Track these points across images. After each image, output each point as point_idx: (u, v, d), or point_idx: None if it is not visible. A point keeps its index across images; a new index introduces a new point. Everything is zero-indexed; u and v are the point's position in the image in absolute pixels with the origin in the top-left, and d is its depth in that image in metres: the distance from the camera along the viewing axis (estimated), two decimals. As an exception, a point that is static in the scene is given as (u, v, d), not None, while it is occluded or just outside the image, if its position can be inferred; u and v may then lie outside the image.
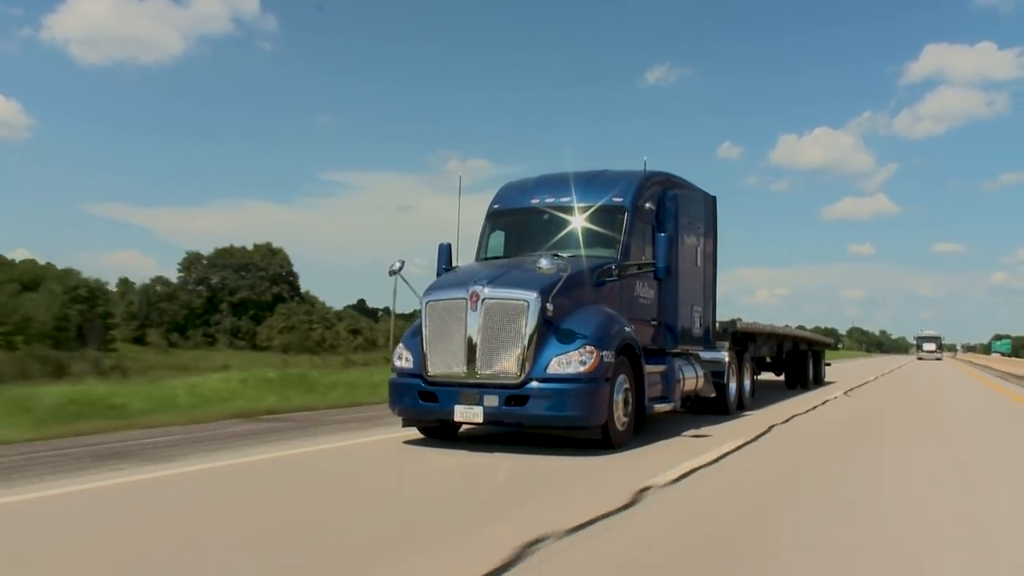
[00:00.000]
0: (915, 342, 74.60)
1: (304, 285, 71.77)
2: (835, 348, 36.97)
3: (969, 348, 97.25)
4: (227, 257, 68.36)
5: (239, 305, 66.46)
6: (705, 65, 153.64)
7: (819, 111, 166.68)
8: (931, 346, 65.92)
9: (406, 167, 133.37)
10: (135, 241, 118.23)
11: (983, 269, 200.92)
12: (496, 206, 9.32)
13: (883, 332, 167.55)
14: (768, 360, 16.83)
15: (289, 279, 69.89)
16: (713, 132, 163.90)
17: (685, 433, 8.63)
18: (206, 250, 69.36)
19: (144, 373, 21.21)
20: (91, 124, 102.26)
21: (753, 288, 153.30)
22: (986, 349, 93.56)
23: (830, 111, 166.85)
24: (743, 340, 12.73)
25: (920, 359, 60.54)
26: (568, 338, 7.18)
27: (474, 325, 7.19)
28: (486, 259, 8.96)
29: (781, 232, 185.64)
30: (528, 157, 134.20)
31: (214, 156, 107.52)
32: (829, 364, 22.90)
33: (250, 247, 70.49)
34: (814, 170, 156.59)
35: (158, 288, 66.40)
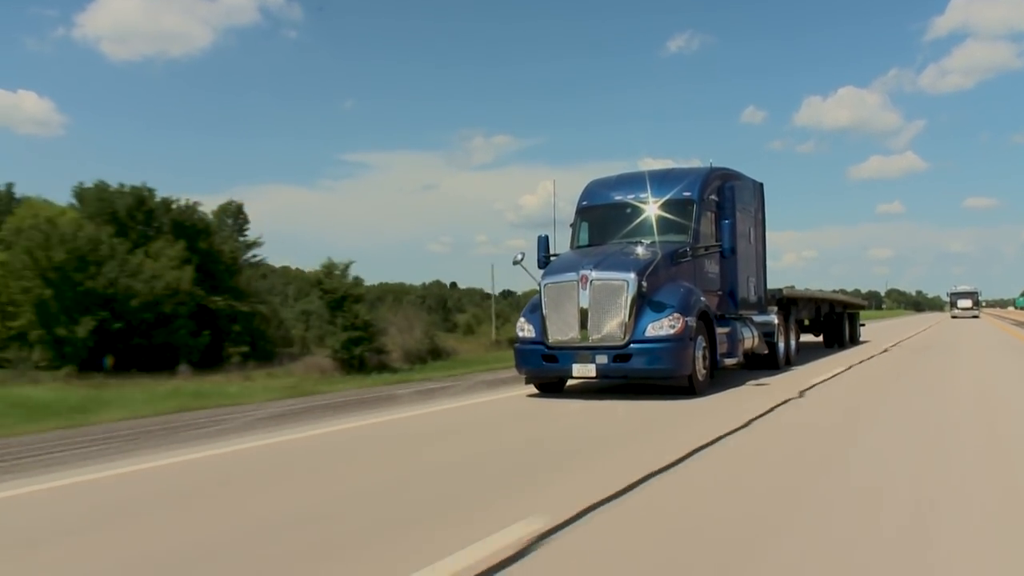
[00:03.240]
0: (948, 299, 66.18)
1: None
2: (879, 308, 38.46)
3: (989, 304, 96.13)
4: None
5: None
6: (727, 31, 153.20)
7: (843, 71, 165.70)
8: (966, 302, 60.57)
9: (429, 146, 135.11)
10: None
11: (1016, 223, 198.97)
12: (585, 202, 11.24)
13: (919, 292, 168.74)
14: (806, 323, 18.53)
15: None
16: (736, 97, 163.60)
17: (749, 382, 10.58)
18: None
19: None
20: (121, 118, 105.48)
21: (780, 252, 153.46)
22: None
23: (855, 70, 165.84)
24: (788, 305, 14.54)
25: (954, 317, 56.71)
26: (659, 308, 9.14)
27: (585, 301, 9.17)
28: (579, 247, 10.88)
29: (807, 194, 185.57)
30: (550, 129, 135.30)
31: (240, 144, 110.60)
32: (864, 324, 24.59)
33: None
34: (840, 130, 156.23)
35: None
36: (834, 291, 22.65)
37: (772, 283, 13.85)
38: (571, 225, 11.32)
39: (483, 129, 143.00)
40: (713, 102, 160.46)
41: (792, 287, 17.05)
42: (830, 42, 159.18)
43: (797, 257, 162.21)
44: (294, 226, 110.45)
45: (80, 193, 33.79)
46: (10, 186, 42.19)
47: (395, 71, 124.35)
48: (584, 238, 11.02)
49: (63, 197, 35.72)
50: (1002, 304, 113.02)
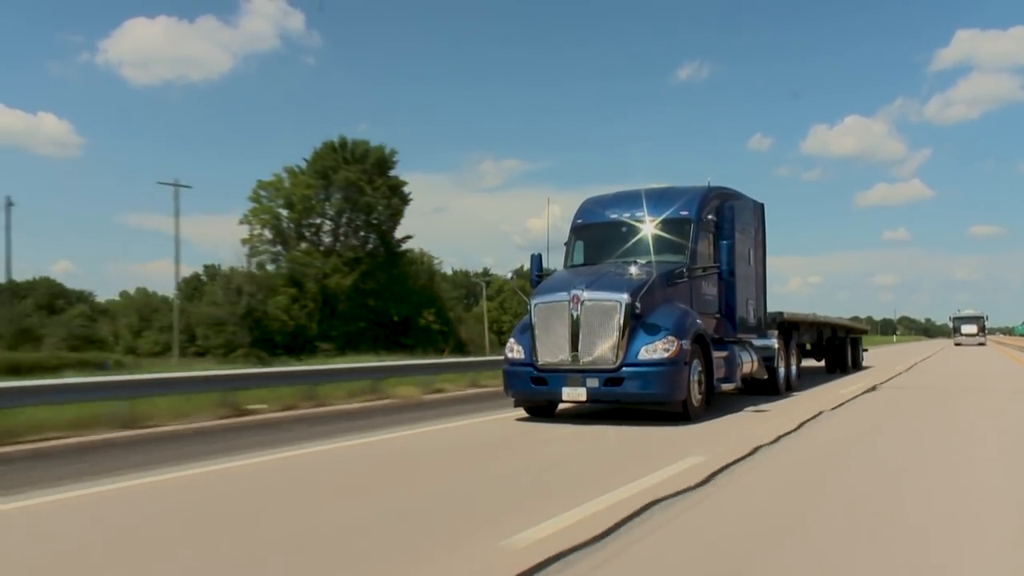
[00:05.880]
0: (951, 324, 60.22)
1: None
2: (893, 333, 38.09)
3: (993, 331, 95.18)
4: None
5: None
6: (736, 60, 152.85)
7: (850, 101, 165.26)
8: (971, 328, 55.11)
9: (440, 169, 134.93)
10: (168, 250, 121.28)
11: (1022, 250, 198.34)
12: (580, 220, 10.93)
13: (928, 320, 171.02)
14: (808, 347, 18.11)
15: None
16: (743, 124, 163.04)
17: (747, 408, 10.20)
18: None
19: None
20: (137, 140, 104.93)
21: (786, 277, 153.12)
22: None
23: (861, 100, 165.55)
24: (788, 328, 14.18)
25: (958, 344, 51.59)
26: (653, 330, 8.80)
27: (576, 322, 8.83)
28: (573, 266, 10.57)
29: (813, 221, 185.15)
30: (558, 152, 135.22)
31: (254, 166, 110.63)
32: (867, 350, 24.20)
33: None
34: (846, 158, 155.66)
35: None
36: (852, 318, 22.25)
37: (778, 307, 13.53)
38: (565, 244, 11.01)
39: (493, 152, 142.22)
40: (720, 129, 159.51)
41: (814, 314, 16.70)
42: (837, 72, 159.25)
43: (802, 282, 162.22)
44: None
45: (516, 272, 69.43)
46: (487, 270, 74.08)
47: (409, 95, 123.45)
48: (578, 257, 10.71)
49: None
50: (1004, 331, 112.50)
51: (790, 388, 13.30)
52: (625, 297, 8.76)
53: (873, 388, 14.07)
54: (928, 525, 4.34)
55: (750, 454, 6.51)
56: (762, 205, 12.76)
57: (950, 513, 4.60)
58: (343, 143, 47.25)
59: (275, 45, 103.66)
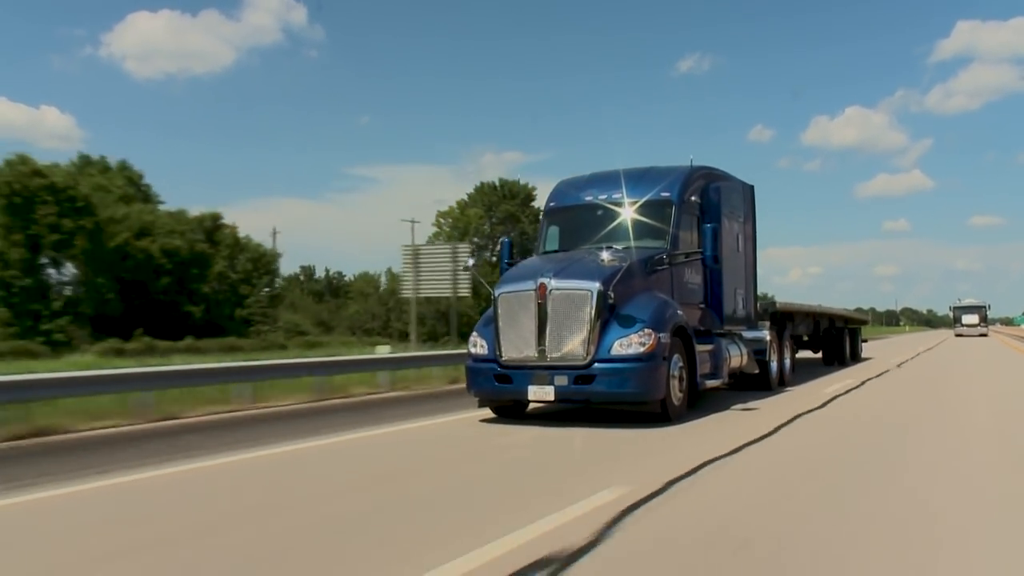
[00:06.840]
0: (952, 314, 59.28)
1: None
2: (897, 324, 37.57)
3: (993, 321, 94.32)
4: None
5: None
6: (737, 52, 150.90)
7: (851, 92, 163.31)
8: (972, 318, 54.56)
9: (441, 161, 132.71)
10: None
11: (1022, 240, 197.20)
12: (553, 203, 10.10)
13: (930, 311, 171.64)
14: (805, 338, 17.30)
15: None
16: (744, 116, 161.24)
17: (734, 407, 9.39)
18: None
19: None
20: (140, 133, 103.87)
21: (785, 267, 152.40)
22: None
23: (862, 91, 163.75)
24: (782, 319, 13.33)
25: (959, 335, 50.89)
26: (628, 322, 7.97)
27: (543, 314, 8.01)
28: (546, 252, 9.75)
29: (813, 211, 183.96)
30: (558, 145, 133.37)
31: (256, 158, 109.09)
32: (866, 340, 23.40)
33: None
34: (847, 149, 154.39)
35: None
36: (855, 309, 21.43)
37: (778, 298, 12.73)
38: (540, 230, 10.19)
39: (494, 145, 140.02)
40: (721, 120, 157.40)
41: (812, 305, 15.89)
42: (838, 63, 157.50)
43: (803, 273, 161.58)
44: (304, 237, 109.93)
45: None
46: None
47: (411, 88, 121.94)
48: (552, 243, 9.89)
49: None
50: (1004, 321, 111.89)
51: (783, 383, 12.50)
52: (597, 286, 7.94)
53: (867, 381, 13.30)
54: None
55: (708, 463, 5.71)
56: (752, 187, 11.88)
57: None
58: (502, 183, 62.61)
59: (277, 39, 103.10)
